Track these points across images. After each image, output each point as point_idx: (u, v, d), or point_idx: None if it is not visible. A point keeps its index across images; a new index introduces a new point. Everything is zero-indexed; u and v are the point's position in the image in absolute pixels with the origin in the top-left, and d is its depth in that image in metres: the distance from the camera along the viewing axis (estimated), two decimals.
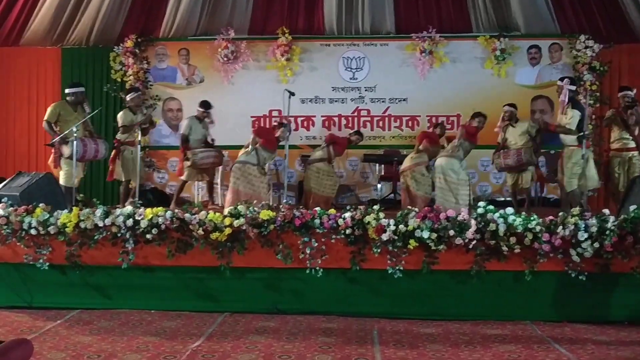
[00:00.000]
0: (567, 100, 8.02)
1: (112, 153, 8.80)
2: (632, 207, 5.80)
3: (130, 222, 6.04)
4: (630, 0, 9.96)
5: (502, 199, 10.17)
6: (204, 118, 9.17)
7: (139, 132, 8.66)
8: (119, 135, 8.87)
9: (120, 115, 9.00)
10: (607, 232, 5.61)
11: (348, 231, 5.87)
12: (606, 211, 5.88)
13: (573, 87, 8.22)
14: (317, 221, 5.93)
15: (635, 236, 5.61)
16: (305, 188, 9.18)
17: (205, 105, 9.19)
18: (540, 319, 5.80)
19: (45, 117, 8.32)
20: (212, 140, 9.36)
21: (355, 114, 10.95)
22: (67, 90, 8.63)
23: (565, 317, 5.80)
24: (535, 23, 10.62)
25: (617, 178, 8.36)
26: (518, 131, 8.56)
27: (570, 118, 7.93)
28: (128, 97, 9.08)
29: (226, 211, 6.23)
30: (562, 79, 8.32)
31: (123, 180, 8.90)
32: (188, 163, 8.83)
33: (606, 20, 10.49)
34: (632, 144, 8.28)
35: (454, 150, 8.26)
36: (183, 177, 9.09)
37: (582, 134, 7.74)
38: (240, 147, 9.08)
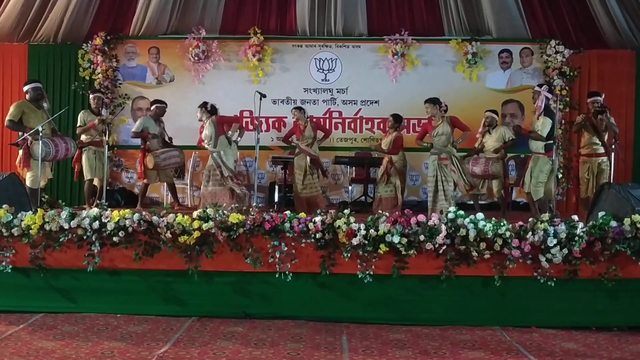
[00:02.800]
0: (542, 106, 8.05)
1: (76, 154, 8.68)
2: (601, 214, 5.84)
3: (96, 224, 5.90)
4: (601, 7, 10.09)
5: (472, 202, 10.21)
6: (159, 116, 9.07)
7: (106, 132, 8.54)
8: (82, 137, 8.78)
9: (80, 115, 8.94)
10: (576, 238, 5.64)
11: (318, 235, 5.81)
12: (575, 217, 5.91)
13: (550, 95, 8.27)
14: (287, 225, 5.87)
15: (604, 242, 5.65)
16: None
17: (158, 101, 9.15)
18: (509, 325, 5.79)
19: (9, 117, 8.12)
20: (170, 139, 9.21)
21: (327, 115, 10.92)
22: (24, 88, 8.44)
23: (533, 323, 5.81)
24: (507, 27, 10.72)
25: (586, 183, 8.46)
26: (494, 137, 8.66)
27: (541, 124, 7.97)
28: (90, 97, 9.03)
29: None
30: (540, 86, 8.37)
31: (85, 180, 8.79)
32: (150, 165, 8.67)
33: (576, 26, 10.62)
34: (602, 150, 8.39)
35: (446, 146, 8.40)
36: (145, 181, 8.97)
37: (551, 141, 7.78)
38: None
